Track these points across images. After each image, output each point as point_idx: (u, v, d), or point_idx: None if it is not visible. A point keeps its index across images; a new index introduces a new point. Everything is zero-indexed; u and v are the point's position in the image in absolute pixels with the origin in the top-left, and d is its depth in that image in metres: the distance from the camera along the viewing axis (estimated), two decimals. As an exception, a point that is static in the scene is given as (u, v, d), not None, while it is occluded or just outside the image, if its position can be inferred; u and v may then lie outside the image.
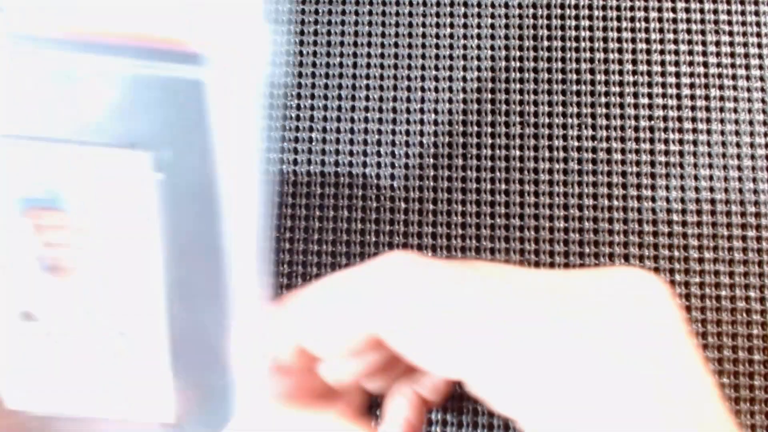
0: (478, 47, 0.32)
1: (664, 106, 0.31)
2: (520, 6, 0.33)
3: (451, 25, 0.32)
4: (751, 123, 0.31)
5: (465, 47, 0.32)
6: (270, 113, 0.31)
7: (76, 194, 0.16)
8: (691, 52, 0.32)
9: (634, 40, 0.32)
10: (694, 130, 0.31)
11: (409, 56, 0.32)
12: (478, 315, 0.16)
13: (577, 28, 0.32)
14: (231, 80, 0.15)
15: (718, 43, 0.32)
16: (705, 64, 0.32)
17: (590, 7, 0.32)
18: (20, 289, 0.17)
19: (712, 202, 0.30)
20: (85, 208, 0.16)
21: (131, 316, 0.18)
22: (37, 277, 0.17)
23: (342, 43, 0.32)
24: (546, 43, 0.32)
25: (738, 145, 0.31)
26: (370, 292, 0.17)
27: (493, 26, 0.32)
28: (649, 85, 0.32)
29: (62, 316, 0.17)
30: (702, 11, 0.32)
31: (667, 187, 0.30)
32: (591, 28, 0.32)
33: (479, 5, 0.33)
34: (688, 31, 0.32)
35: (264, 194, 0.17)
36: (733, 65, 0.32)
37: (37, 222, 0.16)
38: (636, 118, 0.31)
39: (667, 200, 0.30)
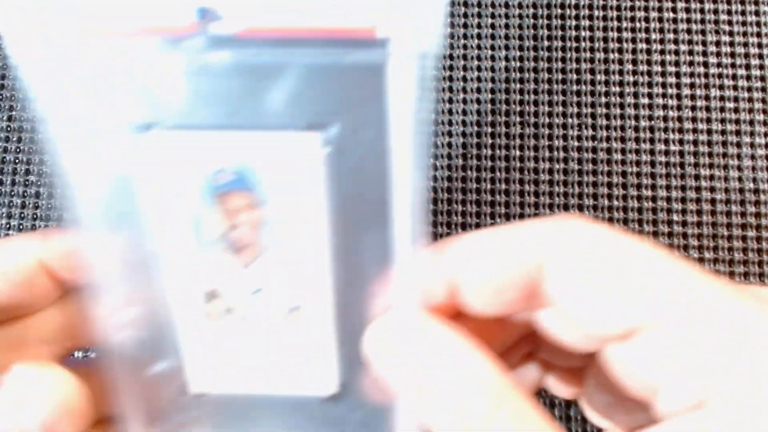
0: (478, 47, 0.32)
1: (664, 106, 0.31)
2: (520, 6, 0.33)
3: (451, 25, 0.32)
4: (751, 123, 0.31)
5: (465, 47, 0.32)
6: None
7: (259, 176, 0.17)
8: (691, 52, 0.32)
9: (634, 40, 0.32)
10: (694, 130, 0.31)
11: (409, 56, 0.32)
12: (648, 276, 0.16)
13: (577, 28, 0.32)
14: (408, 63, 0.16)
15: (718, 43, 0.32)
16: (705, 64, 0.32)
17: (590, 7, 0.32)
18: (206, 270, 0.18)
19: (712, 202, 0.30)
20: (267, 189, 0.17)
21: (301, 290, 0.18)
22: (222, 258, 0.18)
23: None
24: (546, 43, 0.32)
25: (738, 145, 0.31)
26: (537, 236, 0.17)
27: (493, 26, 0.32)
28: (649, 85, 0.32)
29: (242, 294, 0.18)
30: (702, 11, 0.32)
31: (668, 187, 0.30)
32: (591, 28, 0.32)
33: (479, 5, 0.33)
34: (688, 31, 0.32)
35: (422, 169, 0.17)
36: (733, 65, 0.32)
37: (224, 206, 0.17)
38: (636, 118, 0.31)
39: (668, 200, 0.30)
